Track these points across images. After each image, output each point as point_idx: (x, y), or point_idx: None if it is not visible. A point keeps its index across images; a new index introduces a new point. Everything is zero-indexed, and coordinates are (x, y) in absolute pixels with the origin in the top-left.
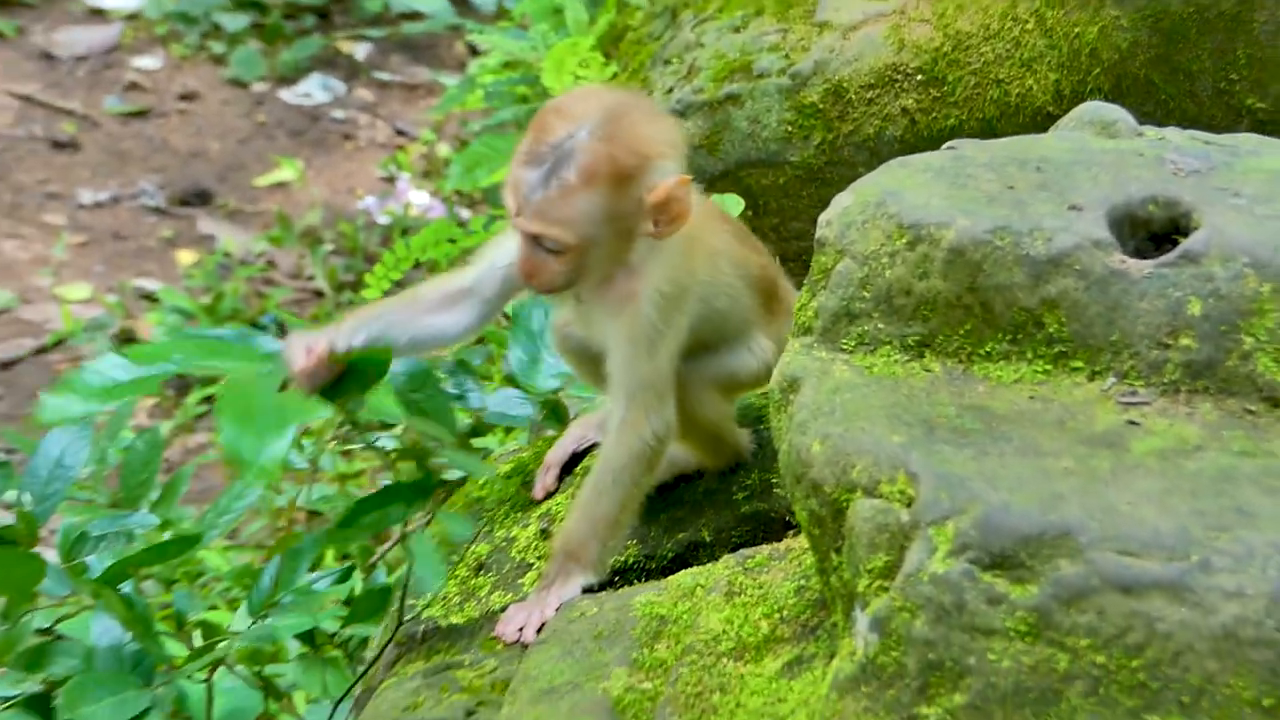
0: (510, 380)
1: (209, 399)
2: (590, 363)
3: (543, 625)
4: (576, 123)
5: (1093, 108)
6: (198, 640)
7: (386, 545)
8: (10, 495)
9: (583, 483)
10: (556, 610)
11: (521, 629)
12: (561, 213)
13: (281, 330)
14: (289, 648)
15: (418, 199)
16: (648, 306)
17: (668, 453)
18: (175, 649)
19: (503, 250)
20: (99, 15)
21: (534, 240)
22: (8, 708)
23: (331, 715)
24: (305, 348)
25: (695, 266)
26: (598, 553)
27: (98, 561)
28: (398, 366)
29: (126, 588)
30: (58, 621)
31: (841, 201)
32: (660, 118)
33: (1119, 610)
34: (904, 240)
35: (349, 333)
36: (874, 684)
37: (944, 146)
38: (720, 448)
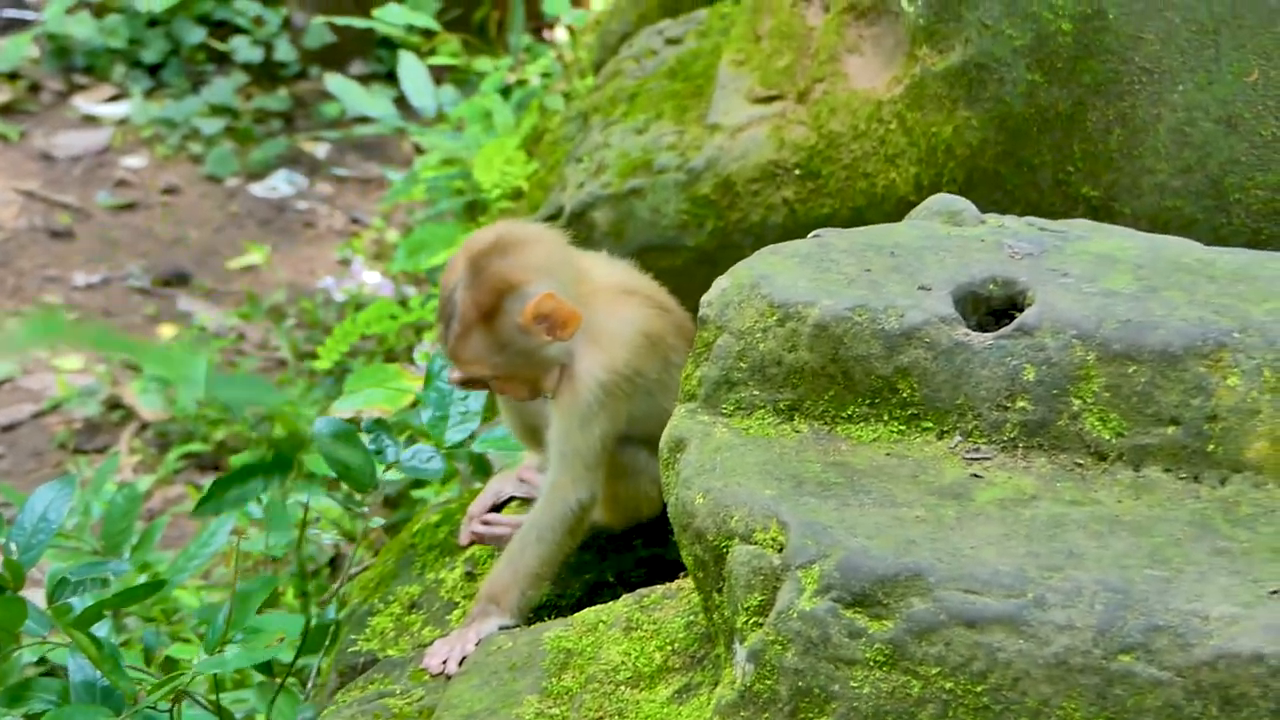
0: (423, 434)
1: (188, 455)
2: (522, 418)
3: (464, 659)
4: (455, 278)
5: (941, 199)
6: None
7: (338, 584)
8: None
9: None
10: (476, 645)
11: (445, 661)
12: (466, 355)
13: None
14: (253, 677)
15: (370, 279)
16: (585, 391)
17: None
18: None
19: None
20: (92, 121)
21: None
22: None
23: None
24: None
25: (644, 365)
26: (517, 600)
27: (80, 603)
28: (323, 426)
29: (100, 629)
30: (41, 659)
31: (721, 284)
32: (521, 249)
33: (964, 642)
34: (775, 318)
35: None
36: (751, 709)
37: (810, 235)
38: (629, 518)
